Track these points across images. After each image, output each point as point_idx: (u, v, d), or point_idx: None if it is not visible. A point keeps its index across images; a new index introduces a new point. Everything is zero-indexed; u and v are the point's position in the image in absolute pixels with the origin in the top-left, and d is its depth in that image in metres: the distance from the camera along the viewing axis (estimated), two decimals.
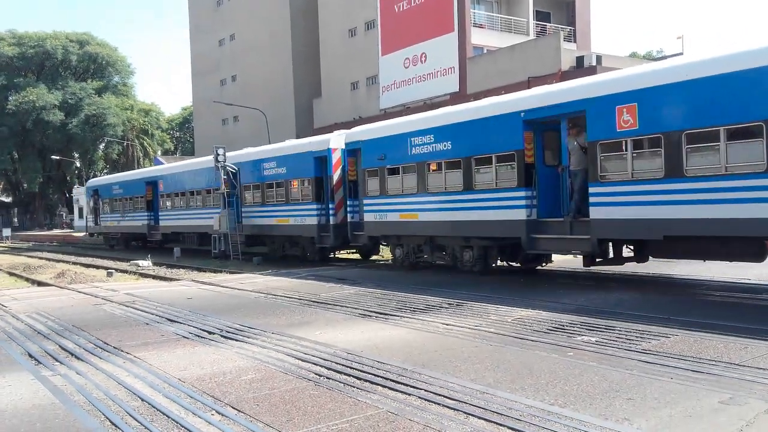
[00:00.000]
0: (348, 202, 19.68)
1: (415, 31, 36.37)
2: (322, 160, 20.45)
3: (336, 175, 19.94)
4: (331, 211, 20.10)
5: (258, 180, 23.37)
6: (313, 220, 20.64)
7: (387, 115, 38.01)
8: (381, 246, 20.95)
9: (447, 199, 15.71)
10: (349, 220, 19.57)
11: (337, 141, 20.07)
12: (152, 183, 31.78)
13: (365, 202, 18.52)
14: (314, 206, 20.56)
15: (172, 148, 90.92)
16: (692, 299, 11.29)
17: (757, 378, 6.18)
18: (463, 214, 15.30)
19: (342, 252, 23.58)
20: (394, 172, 17.39)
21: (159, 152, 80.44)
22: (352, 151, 19.45)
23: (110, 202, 36.31)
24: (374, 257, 22.45)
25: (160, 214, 30.82)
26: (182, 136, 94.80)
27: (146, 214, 31.96)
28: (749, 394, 5.71)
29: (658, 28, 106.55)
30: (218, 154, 23.87)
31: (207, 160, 26.43)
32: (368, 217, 18.42)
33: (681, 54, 30.80)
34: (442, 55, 34.92)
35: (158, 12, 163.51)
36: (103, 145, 75.82)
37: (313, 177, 20.57)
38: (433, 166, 16.06)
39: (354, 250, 23.24)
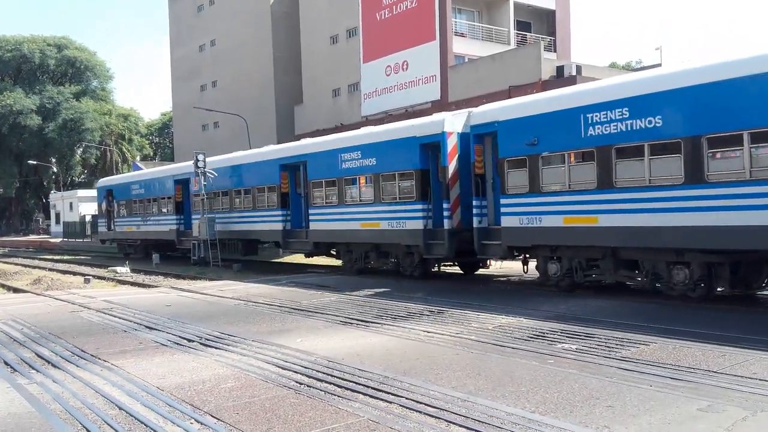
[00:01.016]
0: (474, 202, 15.34)
1: (397, 39, 36.48)
2: (430, 147, 16.29)
3: (452, 167, 15.75)
4: (445, 213, 15.78)
5: (334, 175, 19.20)
6: (418, 224, 16.37)
7: (369, 123, 38.09)
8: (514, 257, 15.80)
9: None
10: (475, 225, 15.19)
11: (453, 122, 15.88)
12: (183, 181, 27.40)
13: (505, 201, 14.42)
14: (419, 206, 16.33)
15: (152, 154, 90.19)
16: (670, 307, 11.39)
17: (735, 385, 6.25)
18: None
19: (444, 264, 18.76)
20: (553, 161, 13.45)
21: (138, 158, 79.74)
22: (479, 135, 15.39)
23: (127, 204, 32.10)
24: (483, 270, 18.51)
25: (194, 217, 26.41)
26: (162, 141, 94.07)
27: (175, 217, 27.67)
28: (727, 402, 5.77)
29: (637, 39, 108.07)
30: (198, 160, 23.70)
31: (258, 153, 24.41)
32: (509, 222, 14.25)
33: (659, 65, 31.24)
34: (423, 63, 35.06)
35: (138, 17, 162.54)
36: (81, 150, 75.01)
37: (418, 169, 16.38)
38: (627, 150, 11.99)
39: (453, 263, 18.76)
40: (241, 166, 24.26)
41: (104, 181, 37.47)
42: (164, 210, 28.77)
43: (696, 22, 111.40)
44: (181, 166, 28.74)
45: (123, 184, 33.55)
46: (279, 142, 46.35)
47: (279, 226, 21.60)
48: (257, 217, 22.71)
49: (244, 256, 25.18)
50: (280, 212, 21.55)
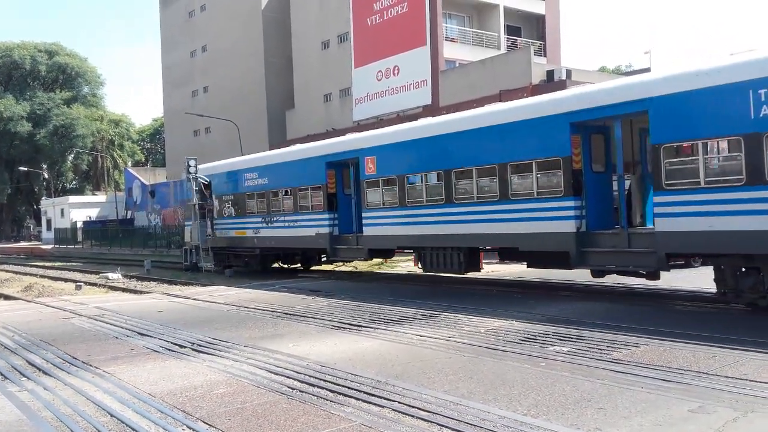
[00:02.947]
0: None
1: (388, 44, 36.59)
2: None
3: None
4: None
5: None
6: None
7: (361, 127, 38.13)
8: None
9: None
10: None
11: None
12: (338, 165, 18.92)
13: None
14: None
15: (143, 160, 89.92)
16: (661, 309, 11.45)
17: (725, 387, 6.29)
18: None
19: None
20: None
21: (129, 163, 79.50)
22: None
23: (236, 201, 23.00)
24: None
25: (366, 214, 17.50)
26: (153, 147, 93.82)
27: (327, 216, 18.85)
28: (718, 403, 5.80)
29: (627, 43, 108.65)
30: (189, 166, 23.66)
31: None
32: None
33: (649, 69, 31.43)
34: (414, 68, 35.16)
35: (129, 23, 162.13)
36: (72, 156, 74.73)
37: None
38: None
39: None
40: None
41: (203, 168, 26.11)
42: (307, 206, 19.69)
43: (685, 24, 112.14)
44: (338, 143, 19.33)
45: (227, 174, 23.74)
46: (271, 148, 46.38)
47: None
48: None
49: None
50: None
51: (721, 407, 5.69)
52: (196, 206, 24.16)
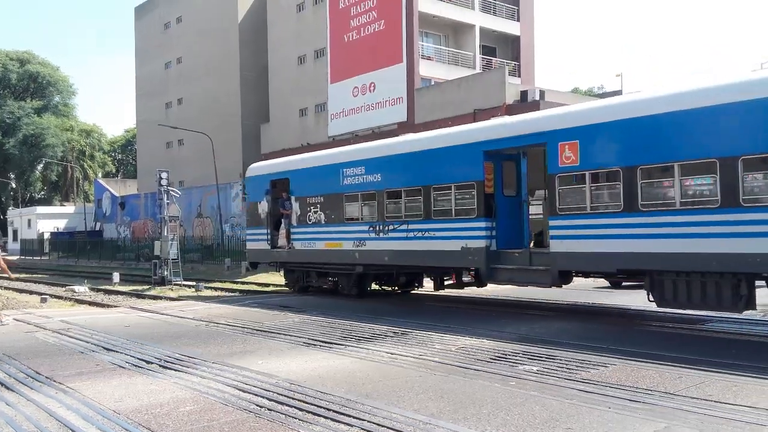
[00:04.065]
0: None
1: (365, 60, 36.79)
2: None
3: None
4: None
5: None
6: None
7: (335, 143, 38.16)
8: None
9: None
10: None
11: None
12: (504, 155, 14.19)
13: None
14: None
15: (114, 171, 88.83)
16: (630, 329, 11.58)
17: (691, 407, 6.36)
18: None
19: None
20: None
21: (100, 174, 78.48)
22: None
23: (331, 203, 17.60)
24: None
25: (559, 222, 12.51)
26: (125, 158, 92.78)
27: (480, 225, 13.93)
28: (684, 424, 5.87)
29: (601, 65, 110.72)
30: (161, 178, 23.44)
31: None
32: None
33: (620, 92, 32.04)
34: (390, 85, 35.37)
35: (103, 33, 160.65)
36: (41, 166, 73.55)
37: None
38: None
39: None
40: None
41: (263, 167, 20.81)
42: (447, 210, 14.67)
43: (657, 48, 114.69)
44: (506, 125, 14.11)
45: (315, 170, 18.45)
46: (245, 162, 46.30)
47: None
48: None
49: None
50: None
51: (687, 428, 5.75)
52: (266, 212, 19.22)
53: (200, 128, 45.37)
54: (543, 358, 8.90)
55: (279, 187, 19.20)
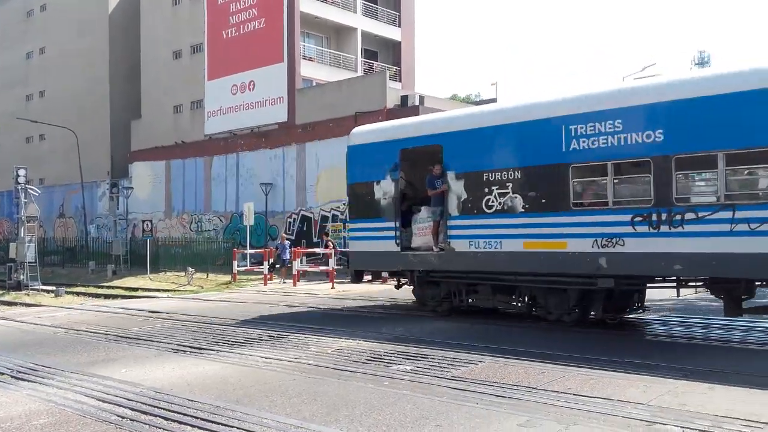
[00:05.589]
0: None
1: (244, 58, 36.00)
2: None
3: None
4: None
5: None
6: None
7: (212, 141, 37.09)
8: None
9: None
10: None
11: None
12: None
13: None
14: None
15: None
16: (501, 327, 12.02)
17: (552, 401, 6.68)
18: None
19: None
20: None
21: None
22: None
23: (538, 180, 11.51)
24: None
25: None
26: None
27: None
28: (545, 417, 6.14)
29: (478, 74, 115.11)
30: (18, 176, 21.74)
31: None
32: None
33: (495, 100, 33.41)
34: (271, 84, 34.85)
35: None
36: None
37: None
38: None
39: None
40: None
41: (383, 130, 14.69)
42: None
43: (529, 60, 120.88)
44: None
45: (496, 129, 12.29)
46: (113, 159, 44.00)
47: None
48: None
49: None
50: None
51: (548, 420, 6.02)
52: (392, 196, 13.61)
53: (64, 123, 42.56)
54: (417, 358, 9.04)
55: (414, 159, 13.86)
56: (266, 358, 9.27)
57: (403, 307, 15.15)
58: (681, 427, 5.73)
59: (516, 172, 11.77)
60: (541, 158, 11.45)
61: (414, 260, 13.39)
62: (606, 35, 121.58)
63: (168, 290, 21.59)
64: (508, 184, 11.84)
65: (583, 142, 10.88)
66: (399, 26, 40.32)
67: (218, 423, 6.13)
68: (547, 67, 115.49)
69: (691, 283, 11.45)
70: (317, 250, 25.60)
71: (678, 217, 9.95)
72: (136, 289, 22.02)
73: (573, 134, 10.98)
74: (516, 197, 11.74)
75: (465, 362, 8.65)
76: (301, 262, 23.90)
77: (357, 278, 15.54)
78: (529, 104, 12.22)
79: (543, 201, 11.42)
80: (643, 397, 6.71)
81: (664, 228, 10.06)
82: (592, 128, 10.78)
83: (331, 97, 32.01)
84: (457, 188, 12.59)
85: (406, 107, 28.83)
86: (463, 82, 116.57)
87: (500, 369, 8.21)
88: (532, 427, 5.86)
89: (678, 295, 12.65)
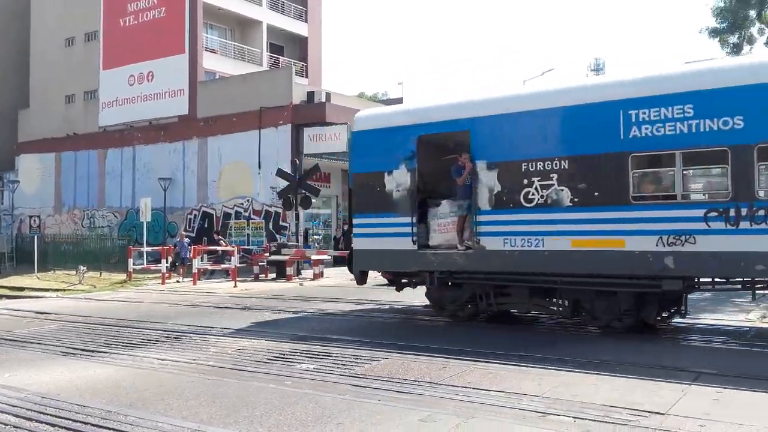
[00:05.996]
0: None
1: (143, 48, 34.52)
2: None
3: None
4: None
5: None
6: None
7: (107, 133, 35.45)
8: None
9: None
10: None
11: None
12: None
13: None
14: None
15: None
16: (404, 324, 12.16)
17: (452, 395, 6.81)
18: None
19: None
20: None
21: None
22: None
23: (589, 170, 10.26)
24: None
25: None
26: None
27: None
28: (444, 411, 6.25)
29: (385, 73, 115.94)
30: None
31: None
32: None
33: (401, 100, 33.76)
34: (171, 76, 33.59)
35: None
36: None
37: None
38: None
39: None
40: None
41: (396, 115, 13.26)
42: None
43: (437, 60, 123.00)
44: None
45: (538, 114, 10.85)
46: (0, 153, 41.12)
47: None
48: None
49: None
50: None
51: (447, 415, 6.14)
52: (408, 188, 11.98)
53: None
54: (320, 356, 8.99)
55: (428, 146, 12.18)
56: (162, 359, 8.95)
57: (310, 305, 15.04)
58: (573, 417, 5.99)
59: (562, 162, 10.45)
60: (593, 146, 10.23)
61: (434, 260, 11.81)
62: (509, 38, 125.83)
63: (57, 290, 20.43)
64: (552, 175, 10.49)
65: (646, 128, 9.74)
66: (306, 21, 39.93)
67: (110, 428, 5.86)
68: (454, 68, 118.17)
69: None
70: (218, 247, 24.97)
71: (761, 212, 8.95)
72: (22, 289, 20.69)
73: (633, 120, 9.82)
74: (562, 190, 10.40)
75: (368, 359, 8.68)
76: (202, 260, 23.26)
77: (362, 280, 13.13)
78: (580, 86, 11.39)
79: (596, 194, 10.17)
80: (538, 389, 6.97)
81: (744, 224, 9.05)
82: (656, 114, 9.66)
83: (234, 91, 31.26)
84: (488, 180, 11.11)
85: (312, 103, 28.62)
86: (370, 81, 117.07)
87: (402, 365, 8.29)
88: (432, 421, 5.96)
89: (754, 299, 11.86)
